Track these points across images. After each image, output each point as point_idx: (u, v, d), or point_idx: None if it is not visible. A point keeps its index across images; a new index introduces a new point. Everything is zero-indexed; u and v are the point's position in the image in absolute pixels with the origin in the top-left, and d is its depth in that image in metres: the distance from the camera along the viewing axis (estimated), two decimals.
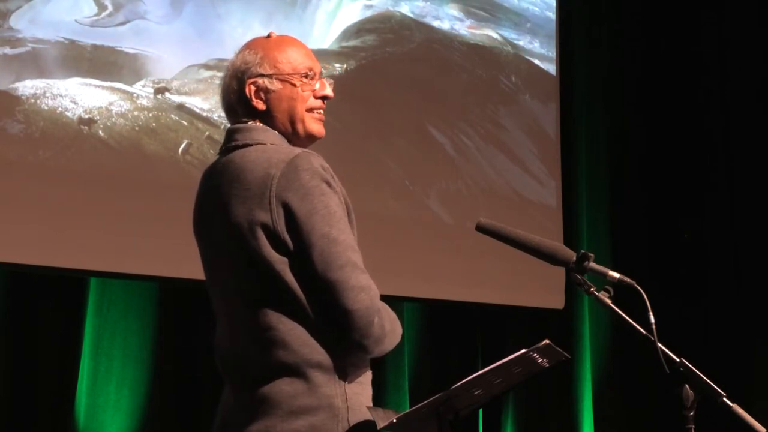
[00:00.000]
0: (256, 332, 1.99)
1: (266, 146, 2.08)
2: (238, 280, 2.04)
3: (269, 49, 2.17)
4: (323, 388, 1.96)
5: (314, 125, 2.18)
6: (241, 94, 2.14)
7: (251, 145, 2.09)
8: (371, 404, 2.05)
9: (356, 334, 1.95)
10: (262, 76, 2.14)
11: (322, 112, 2.20)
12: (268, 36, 2.22)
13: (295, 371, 1.96)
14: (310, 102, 2.17)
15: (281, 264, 1.97)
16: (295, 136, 2.16)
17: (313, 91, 2.17)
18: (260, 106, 2.14)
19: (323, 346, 1.97)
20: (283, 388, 1.96)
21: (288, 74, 2.15)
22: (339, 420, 1.96)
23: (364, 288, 1.96)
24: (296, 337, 1.97)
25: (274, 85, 2.14)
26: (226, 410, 2.08)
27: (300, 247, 1.97)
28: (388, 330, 2.01)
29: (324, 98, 2.20)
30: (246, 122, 2.15)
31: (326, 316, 1.97)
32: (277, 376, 1.97)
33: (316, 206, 1.97)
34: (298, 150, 2.05)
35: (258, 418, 1.97)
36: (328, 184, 2.01)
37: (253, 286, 2.01)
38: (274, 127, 2.14)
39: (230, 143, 2.13)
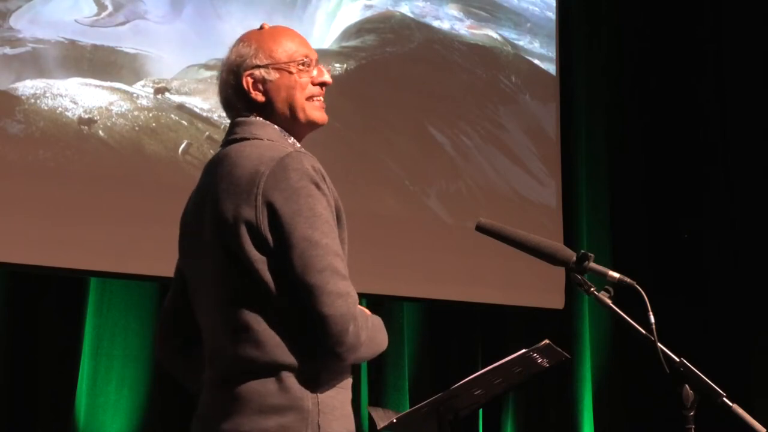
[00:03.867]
0: (233, 330, 1.98)
1: (261, 141, 2.06)
2: (217, 276, 2.02)
3: (263, 40, 2.15)
4: (294, 389, 1.94)
5: (315, 112, 2.15)
6: (239, 88, 2.12)
7: (248, 139, 2.08)
8: (349, 409, 2.03)
9: (330, 340, 1.92)
10: (258, 67, 2.11)
11: (322, 99, 2.17)
12: (261, 28, 2.20)
13: (268, 371, 1.95)
14: (309, 89, 2.14)
15: (261, 263, 1.95)
16: (296, 124, 2.14)
17: (311, 78, 2.15)
18: (259, 98, 2.12)
19: (298, 349, 1.95)
20: (255, 387, 1.95)
21: (285, 63, 2.12)
22: (309, 422, 1.93)
23: (341, 294, 1.92)
24: (271, 338, 1.95)
25: (272, 75, 2.12)
26: (202, 405, 2.07)
27: (281, 248, 1.95)
28: (364, 339, 1.96)
29: (322, 84, 2.17)
30: (247, 116, 2.13)
31: (303, 319, 1.94)
32: (250, 375, 1.96)
33: (300, 207, 1.95)
34: (290, 149, 2.03)
35: (229, 415, 1.96)
36: (317, 185, 1.98)
37: (232, 284, 1.99)
38: (274, 117, 2.12)
39: (230, 136, 2.12)
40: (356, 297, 1.96)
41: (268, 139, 2.08)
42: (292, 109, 2.13)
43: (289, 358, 1.95)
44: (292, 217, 1.94)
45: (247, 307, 1.97)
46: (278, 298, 1.95)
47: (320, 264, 1.92)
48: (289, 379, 1.95)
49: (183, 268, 2.19)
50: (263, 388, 1.95)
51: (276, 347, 1.95)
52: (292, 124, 2.14)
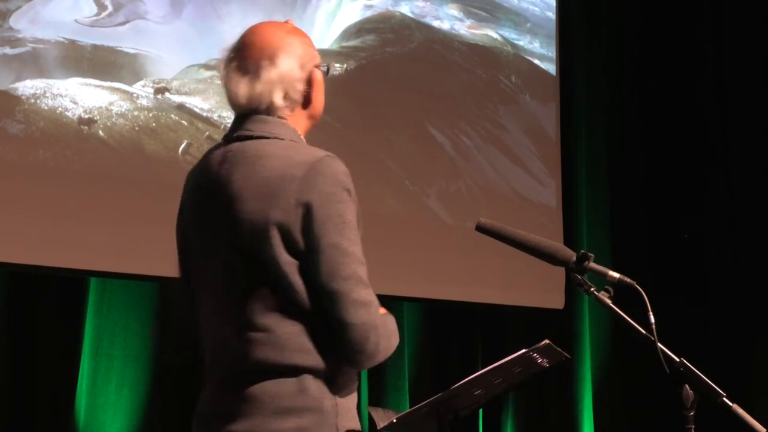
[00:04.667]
0: (251, 331, 1.96)
1: (285, 142, 2.02)
2: (231, 276, 1.99)
3: (307, 39, 2.13)
4: (312, 391, 1.94)
5: None
6: (305, 81, 2.07)
7: (267, 137, 2.03)
8: (356, 411, 2.04)
9: (350, 348, 1.93)
10: (317, 67, 2.10)
11: None
12: (286, 23, 2.15)
13: (286, 373, 1.94)
14: None
15: (290, 266, 1.94)
16: (308, 124, 2.12)
17: None
18: (307, 95, 2.08)
19: (318, 352, 1.95)
20: (272, 388, 1.94)
21: (318, 66, 2.12)
22: (327, 424, 1.94)
23: (365, 303, 1.93)
24: (292, 341, 1.94)
25: (319, 76, 2.11)
26: (204, 403, 2.05)
27: (308, 252, 1.94)
28: (383, 347, 1.97)
29: None
30: (262, 113, 2.05)
31: (322, 323, 1.94)
32: (266, 377, 1.95)
33: (331, 213, 1.94)
34: (321, 153, 2.00)
35: (244, 416, 1.95)
36: (348, 192, 1.99)
37: (249, 285, 1.97)
38: (298, 117, 2.08)
39: (241, 131, 2.05)
40: (378, 305, 1.97)
41: (290, 139, 2.04)
42: (319, 110, 2.12)
43: (309, 362, 1.94)
44: (323, 223, 1.94)
45: (267, 308, 1.95)
46: (301, 301, 1.95)
47: (346, 272, 1.93)
48: (308, 381, 1.94)
49: (183, 267, 2.16)
50: (280, 389, 1.94)
51: (295, 350, 1.94)
52: (307, 124, 2.12)
